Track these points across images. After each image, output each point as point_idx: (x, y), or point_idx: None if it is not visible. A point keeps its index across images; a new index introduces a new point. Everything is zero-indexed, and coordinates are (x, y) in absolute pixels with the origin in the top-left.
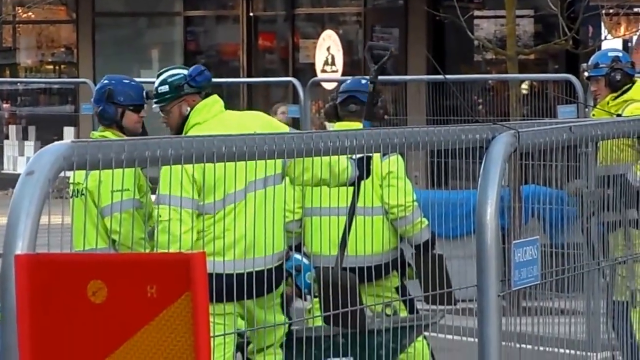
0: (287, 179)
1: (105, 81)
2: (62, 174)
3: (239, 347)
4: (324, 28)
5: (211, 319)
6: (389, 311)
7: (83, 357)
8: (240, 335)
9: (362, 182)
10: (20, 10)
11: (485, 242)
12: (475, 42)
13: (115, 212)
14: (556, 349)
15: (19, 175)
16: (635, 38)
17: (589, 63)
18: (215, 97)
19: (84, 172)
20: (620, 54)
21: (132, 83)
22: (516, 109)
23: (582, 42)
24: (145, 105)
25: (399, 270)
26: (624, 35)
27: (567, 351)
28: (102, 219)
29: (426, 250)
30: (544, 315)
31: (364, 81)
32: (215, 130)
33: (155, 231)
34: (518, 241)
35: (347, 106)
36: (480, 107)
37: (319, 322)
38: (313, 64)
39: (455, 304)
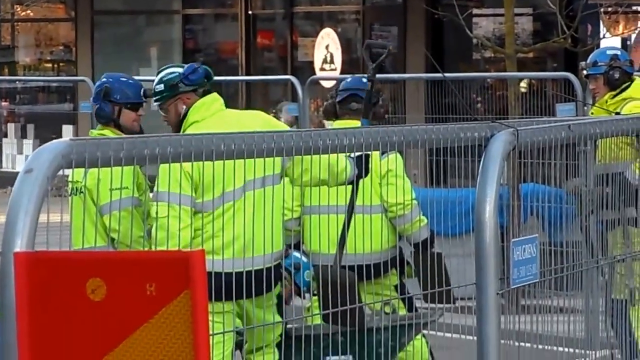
0: (287, 177)
1: (104, 79)
2: (60, 172)
3: (238, 345)
4: (322, 26)
5: (210, 317)
6: (387, 309)
7: (82, 354)
8: (239, 333)
9: (361, 180)
10: (19, 8)
11: (484, 240)
12: (474, 41)
13: (114, 210)
14: (555, 347)
15: (17, 173)
16: (633, 36)
17: (588, 61)
18: (214, 95)
19: (82, 170)
20: (619, 52)
21: (130, 81)
22: (515, 107)
23: (580, 41)
24: (144, 104)
25: (398, 268)
26: (623, 33)
27: (566, 349)
28: (101, 217)
29: (425, 249)
30: (542, 314)
31: (364, 79)
32: (213, 129)
33: (153, 228)
34: (517, 239)
35: (348, 104)
36: (479, 105)
37: (318, 320)
38: (312, 62)
39: (454, 302)
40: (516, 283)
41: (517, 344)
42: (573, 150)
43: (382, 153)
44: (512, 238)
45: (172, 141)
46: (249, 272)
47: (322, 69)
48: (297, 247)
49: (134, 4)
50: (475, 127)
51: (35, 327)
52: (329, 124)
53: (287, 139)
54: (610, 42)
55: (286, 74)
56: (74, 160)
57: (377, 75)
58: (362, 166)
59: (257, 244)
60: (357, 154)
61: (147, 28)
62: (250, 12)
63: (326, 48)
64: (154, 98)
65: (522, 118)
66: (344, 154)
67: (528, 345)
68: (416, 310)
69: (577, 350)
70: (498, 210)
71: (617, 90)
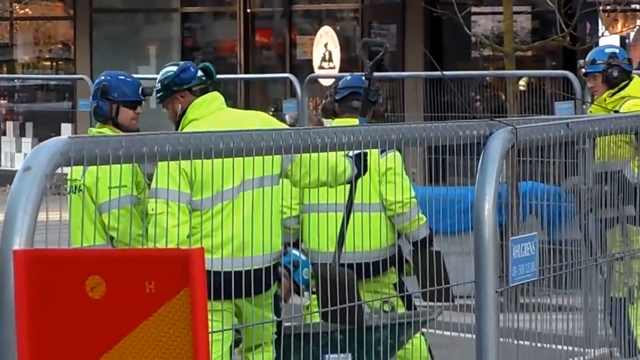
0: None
1: (102, 77)
2: (59, 170)
3: (237, 343)
4: (321, 24)
5: (208, 316)
6: (386, 307)
7: (82, 352)
8: (237, 331)
9: (360, 179)
10: (17, 7)
11: (483, 239)
12: (473, 39)
13: (113, 208)
14: (554, 345)
15: (16, 171)
16: (632, 34)
17: (586, 59)
18: (215, 93)
19: (81, 168)
20: (617, 51)
21: (128, 79)
22: (513, 105)
23: (579, 39)
24: (142, 102)
25: (396, 266)
26: (621, 31)
27: (565, 347)
28: (99, 215)
29: (424, 247)
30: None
31: (364, 77)
32: (212, 127)
33: (150, 225)
34: (516, 237)
35: (349, 102)
36: (478, 103)
37: (317, 318)
38: (310, 61)
39: (453, 301)
40: (515, 281)
41: (516, 342)
42: (572, 148)
43: (382, 151)
44: (511, 236)
45: (171, 139)
46: (247, 272)
47: (320, 67)
48: (296, 245)
49: (133, 2)
50: (474, 125)
51: (34, 325)
52: (328, 122)
53: (286, 137)
54: (608, 40)
55: (285, 72)
56: (72, 158)
57: (376, 74)
58: (361, 164)
59: (256, 244)
60: (355, 152)
61: (146, 26)
62: (249, 10)
63: (325, 46)
64: (156, 97)
65: (521, 116)
66: (343, 155)
67: (527, 343)
68: (415, 309)
69: (575, 349)
70: (497, 209)
71: (616, 89)
